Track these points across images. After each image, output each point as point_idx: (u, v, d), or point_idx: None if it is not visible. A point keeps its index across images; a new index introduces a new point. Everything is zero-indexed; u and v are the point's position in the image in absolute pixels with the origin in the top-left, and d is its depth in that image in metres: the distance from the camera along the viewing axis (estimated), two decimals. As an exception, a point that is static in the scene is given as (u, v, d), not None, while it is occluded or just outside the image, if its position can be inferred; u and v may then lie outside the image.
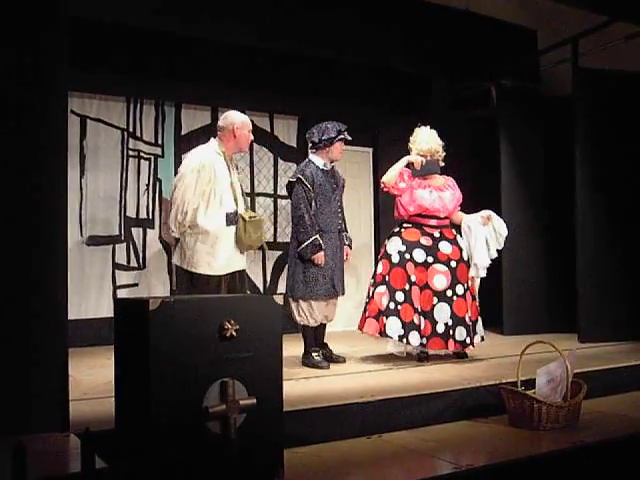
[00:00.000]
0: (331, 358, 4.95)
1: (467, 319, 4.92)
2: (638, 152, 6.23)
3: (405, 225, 5.07)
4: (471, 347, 4.98)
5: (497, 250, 5.15)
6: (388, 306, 4.82)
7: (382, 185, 5.15)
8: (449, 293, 4.90)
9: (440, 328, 4.83)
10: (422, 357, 4.95)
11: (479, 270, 5.03)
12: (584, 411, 3.84)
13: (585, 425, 3.75)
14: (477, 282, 5.13)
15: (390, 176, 5.07)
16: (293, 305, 4.87)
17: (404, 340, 4.80)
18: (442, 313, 4.86)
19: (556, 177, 6.85)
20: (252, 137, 4.63)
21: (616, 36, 6.01)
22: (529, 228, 6.87)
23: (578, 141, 6.15)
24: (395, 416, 3.64)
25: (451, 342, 4.86)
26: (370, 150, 7.89)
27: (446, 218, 5.11)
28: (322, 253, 4.78)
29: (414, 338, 4.80)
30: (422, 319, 4.85)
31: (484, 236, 5.06)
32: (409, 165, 5.12)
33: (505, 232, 5.12)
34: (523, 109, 6.96)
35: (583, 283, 6.10)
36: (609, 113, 6.19)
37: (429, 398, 3.80)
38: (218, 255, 4.35)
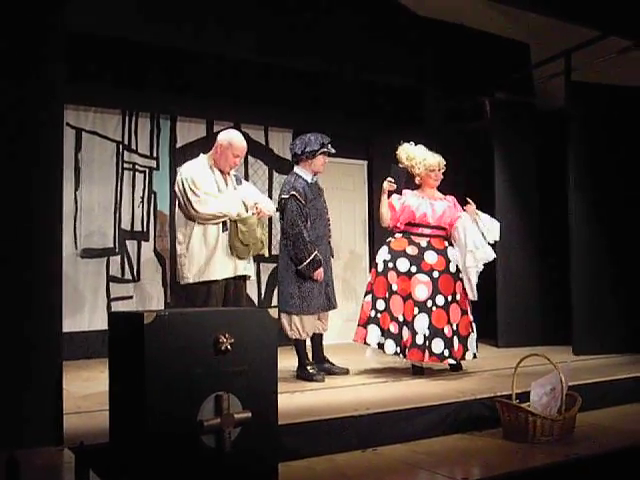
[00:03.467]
0: (333, 371, 4.94)
1: (447, 331, 4.84)
2: (631, 165, 6.27)
3: (396, 235, 5.09)
4: (449, 360, 4.87)
5: (492, 246, 5.07)
6: (370, 314, 4.91)
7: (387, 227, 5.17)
8: (429, 303, 4.84)
9: (419, 339, 4.78)
10: (417, 371, 4.95)
11: (478, 262, 4.94)
12: (578, 424, 3.84)
13: (579, 438, 3.74)
14: (472, 281, 5.00)
15: (383, 217, 5.07)
16: (285, 319, 4.82)
17: (383, 348, 4.84)
18: (421, 324, 4.79)
19: (550, 190, 6.89)
20: (237, 162, 4.65)
21: (609, 50, 6.05)
22: (523, 241, 6.90)
23: (571, 154, 6.19)
24: (390, 429, 3.63)
25: (427, 354, 4.76)
26: (365, 163, 7.92)
27: (438, 228, 5.06)
28: (321, 269, 4.77)
29: (389, 346, 4.82)
30: (404, 329, 4.83)
31: (476, 231, 5.00)
32: (390, 193, 5.08)
33: (495, 224, 5.08)
34: (517, 122, 7.00)
35: (577, 296, 6.11)
36: (602, 126, 6.23)
37: (424, 411, 3.80)
38: (194, 262, 4.38)
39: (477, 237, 4.97)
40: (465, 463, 3.38)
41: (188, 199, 4.38)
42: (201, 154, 4.68)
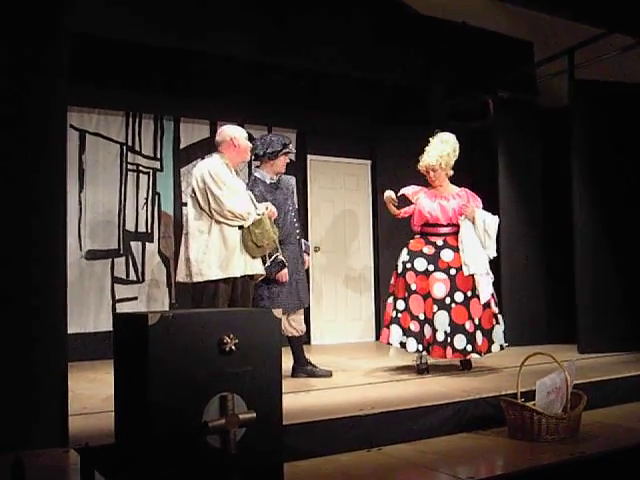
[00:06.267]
0: (316, 374, 4.88)
1: (468, 327, 4.90)
2: (635, 163, 6.25)
3: (415, 236, 5.21)
4: (473, 355, 4.93)
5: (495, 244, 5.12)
6: (392, 315, 4.99)
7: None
8: (447, 300, 4.91)
9: (440, 336, 4.86)
10: (422, 369, 4.97)
11: (470, 268, 4.96)
12: (584, 422, 3.83)
13: (585, 436, 3.73)
14: (484, 284, 5.00)
15: (392, 212, 5.25)
16: None
17: (405, 347, 4.90)
18: (441, 321, 4.87)
19: (553, 188, 6.88)
20: (250, 145, 4.68)
21: (612, 48, 6.04)
22: (527, 239, 6.90)
23: (575, 152, 6.18)
24: (395, 429, 3.63)
25: (449, 350, 4.84)
26: (368, 162, 7.93)
27: (451, 226, 5.12)
28: (286, 270, 4.75)
29: (411, 345, 4.89)
30: (426, 326, 4.90)
31: (472, 237, 5.04)
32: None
33: (492, 226, 5.09)
34: (520, 121, 7.00)
35: (582, 294, 6.10)
36: (605, 124, 6.22)
37: (429, 410, 3.79)
38: (215, 258, 4.33)
39: (472, 248, 5.00)
40: (470, 462, 3.38)
41: (212, 193, 4.31)
42: (214, 154, 4.60)
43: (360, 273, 7.75)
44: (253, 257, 4.48)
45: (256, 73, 6.46)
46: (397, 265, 5.11)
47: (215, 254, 4.33)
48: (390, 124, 7.61)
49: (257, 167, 5.05)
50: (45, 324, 2.96)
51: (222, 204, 4.32)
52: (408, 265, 5.01)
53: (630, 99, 6.28)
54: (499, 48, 6.93)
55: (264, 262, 4.65)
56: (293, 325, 4.90)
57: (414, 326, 4.91)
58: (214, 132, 6.76)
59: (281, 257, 4.72)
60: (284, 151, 4.92)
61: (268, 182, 4.93)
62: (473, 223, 5.06)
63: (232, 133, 4.57)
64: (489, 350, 5.03)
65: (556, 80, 6.75)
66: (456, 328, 4.88)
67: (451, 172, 5.23)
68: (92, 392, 4.31)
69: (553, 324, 6.78)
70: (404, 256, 5.08)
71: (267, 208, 4.56)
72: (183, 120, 6.78)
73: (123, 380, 2.77)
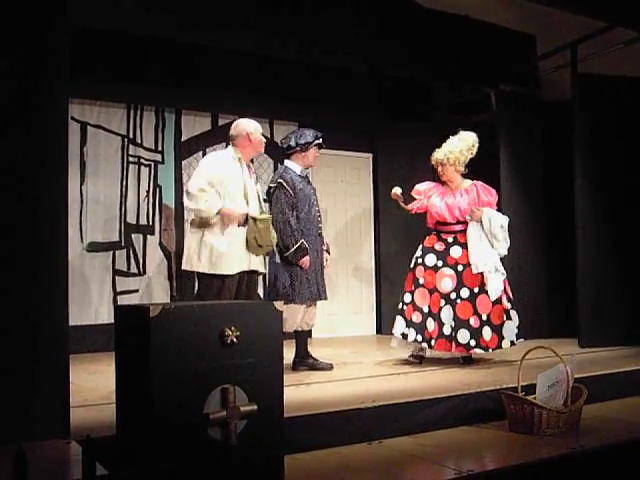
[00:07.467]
0: (317, 366, 4.91)
1: (473, 322, 4.97)
2: (638, 157, 6.24)
3: (431, 233, 5.31)
4: (477, 350, 4.98)
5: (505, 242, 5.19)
6: (399, 307, 5.13)
7: None
8: (453, 296, 5.02)
9: (447, 330, 4.97)
10: (416, 357, 5.07)
11: (477, 267, 5.03)
12: (584, 416, 3.83)
13: (585, 430, 3.74)
14: (493, 281, 5.06)
15: (403, 207, 5.36)
16: None
17: (407, 338, 5.01)
18: (447, 315, 4.99)
19: (556, 182, 6.87)
20: (264, 139, 4.70)
21: (615, 42, 6.03)
22: (529, 233, 6.89)
23: (578, 146, 6.17)
24: (396, 422, 3.64)
25: (453, 344, 4.95)
26: (370, 156, 7.92)
27: (461, 223, 5.18)
28: (308, 257, 4.82)
29: (411, 334, 5.01)
30: (429, 319, 5.00)
31: (479, 236, 5.09)
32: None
33: (498, 225, 5.12)
34: (523, 114, 6.99)
35: (583, 288, 6.11)
36: (609, 118, 6.21)
37: (430, 404, 3.80)
38: (220, 254, 4.37)
39: (479, 247, 5.07)
40: (471, 455, 3.38)
41: (186, 185, 4.45)
42: (228, 147, 4.71)
43: (361, 266, 7.75)
44: (256, 255, 4.52)
45: (258, 66, 6.44)
46: (411, 261, 5.21)
47: (222, 249, 4.38)
48: (392, 118, 7.60)
49: (287, 159, 5.06)
50: (46, 316, 2.96)
51: (185, 199, 4.42)
52: (419, 260, 5.15)
53: (633, 93, 6.26)
54: (501, 41, 6.89)
55: (287, 250, 4.74)
56: (305, 319, 4.92)
57: (416, 317, 5.02)
58: (215, 125, 6.80)
59: (306, 244, 4.80)
60: (316, 142, 4.97)
61: (298, 173, 4.97)
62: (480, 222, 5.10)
63: (248, 128, 4.64)
64: (499, 346, 5.04)
65: (559, 74, 6.74)
66: (460, 323, 4.96)
67: (462, 169, 5.27)
68: (93, 384, 4.32)
69: (554, 318, 6.79)
70: (418, 252, 5.21)
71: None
72: (184, 112, 6.77)
73: (124, 372, 2.77)
